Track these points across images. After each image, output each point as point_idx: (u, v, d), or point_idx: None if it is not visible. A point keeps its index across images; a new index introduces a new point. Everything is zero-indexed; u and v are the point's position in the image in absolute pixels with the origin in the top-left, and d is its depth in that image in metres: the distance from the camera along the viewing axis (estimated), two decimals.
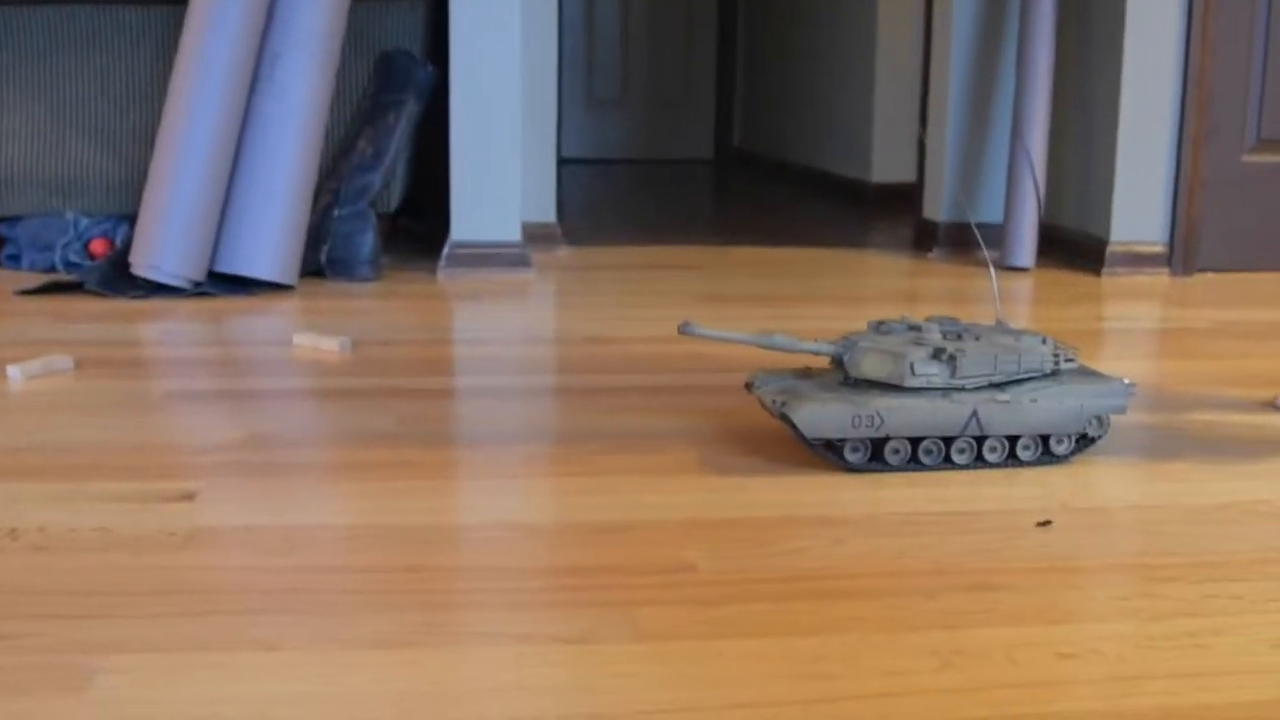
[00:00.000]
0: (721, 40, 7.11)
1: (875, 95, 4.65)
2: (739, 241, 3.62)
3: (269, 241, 2.64)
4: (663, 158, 7.18)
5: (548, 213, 3.34)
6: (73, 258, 2.90)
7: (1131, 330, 2.43)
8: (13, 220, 3.00)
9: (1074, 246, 3.21)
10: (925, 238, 3.52)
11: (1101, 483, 1.47)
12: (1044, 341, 1.55)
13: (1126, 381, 1.55)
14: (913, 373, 1.47)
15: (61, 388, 1.88)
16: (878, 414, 1.46)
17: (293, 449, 1.57)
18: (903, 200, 4.56)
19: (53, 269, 2.91)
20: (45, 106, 3.02)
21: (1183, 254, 3.06)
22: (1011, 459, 1.52)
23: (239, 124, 2.63)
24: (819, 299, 2.70)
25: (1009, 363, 1.50)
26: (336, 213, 2.81)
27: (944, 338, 1.54)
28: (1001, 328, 1.61)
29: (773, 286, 2.86)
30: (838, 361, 1.55)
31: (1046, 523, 1.32)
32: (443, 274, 2.92)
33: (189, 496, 1.38)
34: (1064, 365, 1.56)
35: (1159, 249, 3.06)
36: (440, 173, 3.24)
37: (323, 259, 2.81)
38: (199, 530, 1.27)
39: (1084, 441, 1.54)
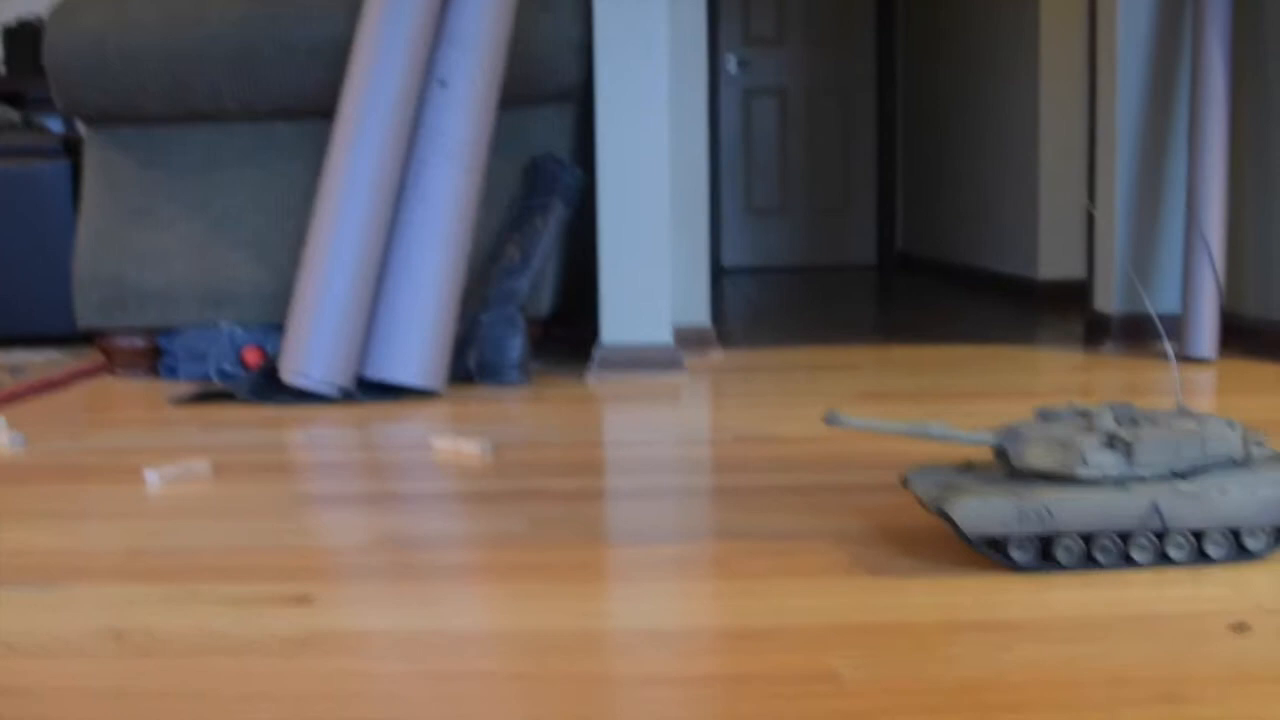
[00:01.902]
0: (881, 143, 7.03)
1: (1040, 190, 4.51)
2: (900, 341, 3.50)
3: (416, 348, 2.61)
4: (825, 264, 7.09)
5: (702, 316, 3.26)
6: (227, 367, 2.91)
7: None
8: (170, 332, 3.03)
9: (1259, 335, 3.01)
10: (1097, 331, 3.35)
11: None
12: (1231, 426, 1.40)
13: None
14: (1084, 462, 1.34)
15: (197, 493, 1.84)
16: (1046, 508, 1.33)
17: (420, 551, 1.49)
18: (1072, 296, 4.39)
19: (207, 378, 2.93)
20: (201, 221, 3.07)
21: None
22: (1199, 556, 1.37)
23: (385, 232, 2.62)
24: (985, 395, 2.56)
25: (1192, 450, 1.36)
26: (484, 318, 2.77)
27: (1117, 424, 1.41)
28: (1182, 413, 1.46)
29: (935, 383, 2.73)
30: (1000, 452, 1.42)
31: (1242, 626, 1.17)
32: (592, 378, 2.86)
33: (305, 600, 1.31)
34: (1256, 452, 1.41)
35: None
36: (593, 278, 3.20)
37: (471, 364, 2.77)
38: (311, 634, 1.20)
39: None
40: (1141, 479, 1.36)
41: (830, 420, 1.40)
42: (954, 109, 5.71)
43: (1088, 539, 1.35)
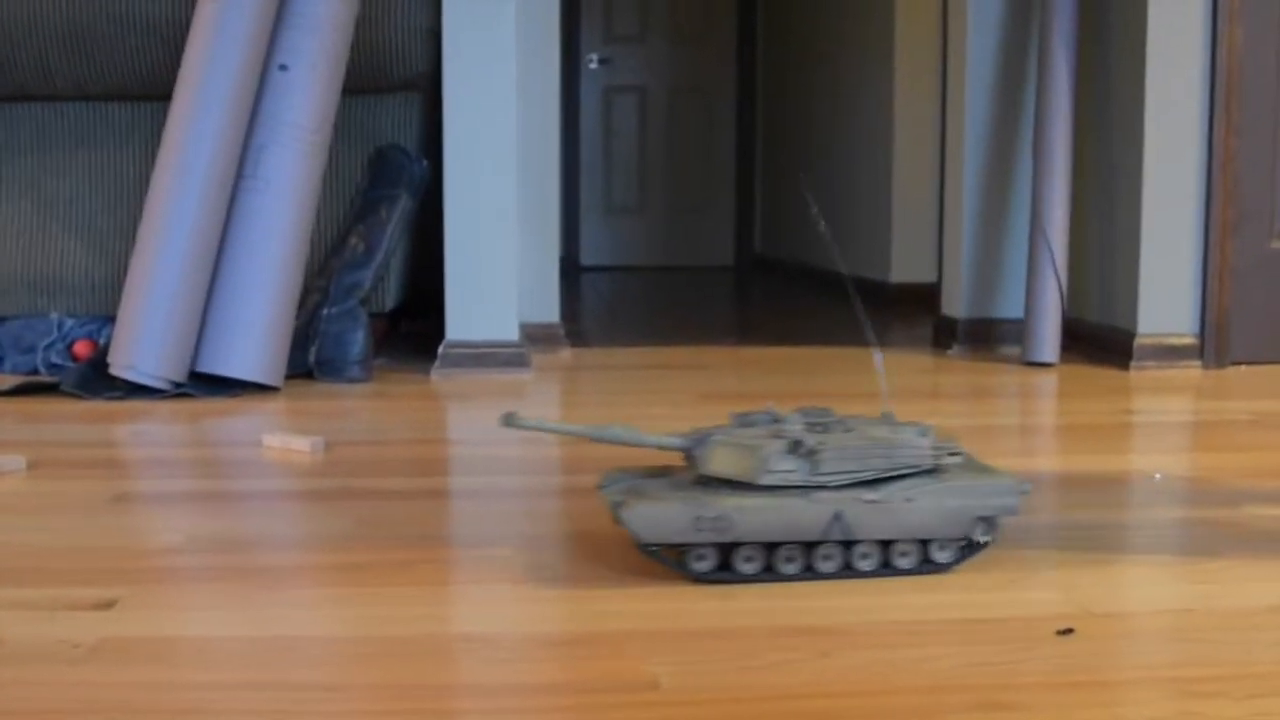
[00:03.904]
0: (740, 143, 7.06)
1: (893, 196, 4.55)
2: (751, 342, 3.49)
3: (252, 341, 2.53)
4: (683, 264, 7.09)
5: (551, 314, 3.22)
6: (56, 359, 2.79)
7: (1163, 424, 2.28)
8: None
9: (1100, 340, 3.06)
10: (944, 335, 3.39)
11: (1130, 584, 1.32)
12: (924, 434, 1.34)
13: (1017, 480, 1.33)
14: (766, 469, 1.28)
15: (7, 489, 1.75)
16: (724, 515, 1.26)
17: (240, 553, 1.43)
18: (922, 300, 4.44)
19: (35, 371, 2.81)
20: (31, 204, 2.94)
21: (1214, 346, 2.91)
22: (886, 567, 1.32)
23: (221, 220, 2.53)
24: (831, 396, 2.56)
25: (879, 458, 1.30)
26: (325, 311, 2.70)
27: (809, 430, 1.34)
28: (884, 420, 1.41)
29: (782, 384, 2.72)
30: (690, 457, 1.35)
31: (1068, 630, 1.17)
32: (436, 374, 2.80)
33: (108, 604, 1.24)
34: (946, 460, 1.35)
35: (1189, 341, 2.91)
36: (440, 273, 3.14)
37: (311, 359, 2.69)
38: (108, 641, 1.13)
39: (971, 547, 1.34)
40: (826, 487, 1.29)
41: (506, 422, 1.32)
42: (811, 111, 5.75)
43: (771, 549, 1.30)
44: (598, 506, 1.64)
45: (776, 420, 1.39)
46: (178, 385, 2.50)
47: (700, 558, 1.29)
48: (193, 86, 2.52)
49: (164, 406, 2.43)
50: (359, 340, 2.69)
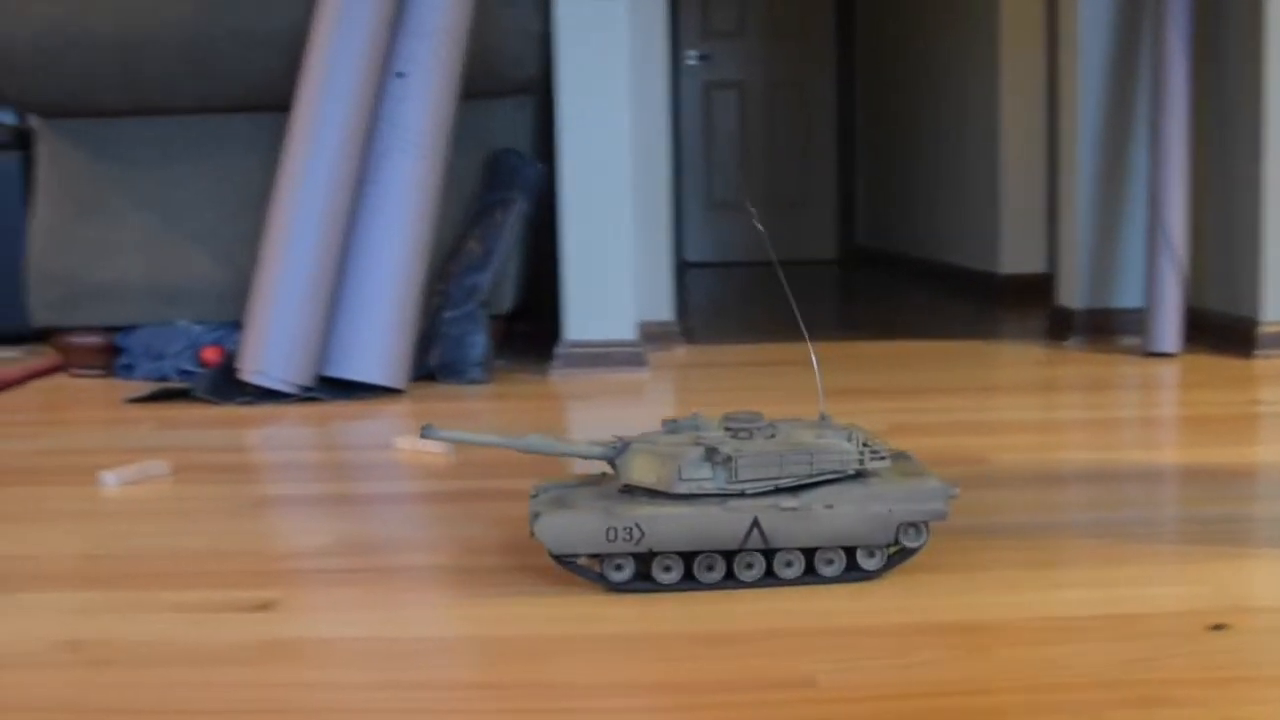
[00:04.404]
0: (841, 136, 7.03)
1: (1001, 185, 4.51)
2: (862, 337, 3.49)
3: (377, 345, 2.58)
4: (785, 258, 7.09)
5: (665, 311, 3.24)
6: (185, 366, 2.87)
7: None
8: (127, 330, 2.99)
9: (1222, 329, 3.02)
10: (1060, 326, 3.35)
11: (1277, 578, 1.30)
12: (849, 438, 1.31)
13: (945, 484, 1.30)
14: (681, 477, 1.26)
15: (154, 494, 1.81)
16: (637, 525, 1.24)
17: (383, 555, 1.46)
18: (1033, 291, 4.39)
19: (165, 378, 2.89)
20: (156, 216, 3.02)
21: None
22: (811, 574, 1.30)
23: (345, 226, 2.58)
24: (948, 391, 2.55)
25: (798, 464, 1.27)
26: (446, 315, 2.74)
27: (733, 436, 1.31)
28: (815, 423, 1.38)
29: (898, 379, 2.71)
30: (612, 466, 1.34)
31: (1220, 626, 1.16)
32: (555, 375, 2.84)
33: (267, 606, 1.28)
34: (871, 464, 1.31)
35: None
36: (553, 273, 3.17)
37: (433, 362, 2.74)
38: (273, 643, 1.17)
39: (901, 554, 1.31)
40: (743, 495, 1.27)
41: (425, 434, 1.31)
42: (914, 101, 5.71)
43: (689, 558, 1.29)
44: None
45: (698, 427, 1.36)
46: (306, 389, 2.55)
47: (617, 568, 1.28)
48: (313, 96, 2.57)
49: (293, 410, 2.49)
50: (479, 342, 2.73)
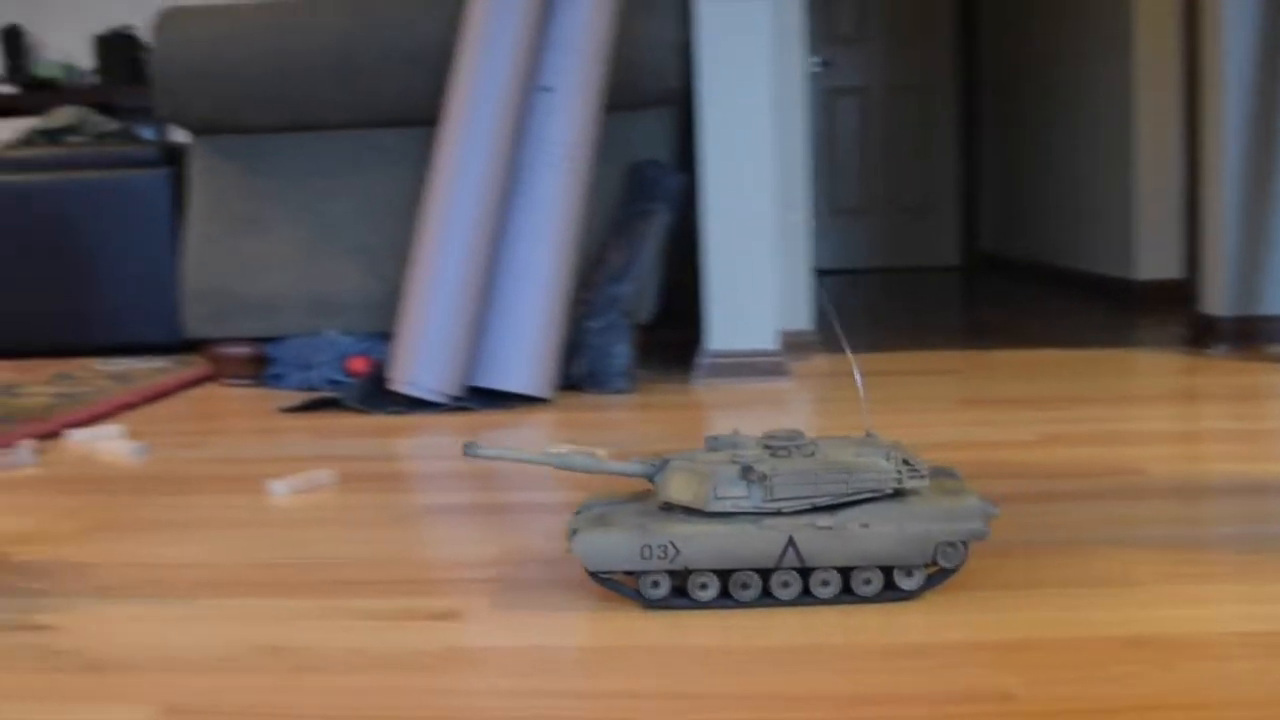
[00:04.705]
0: (964, 140, 6.97)
1: (1135, 187, 4.45)
2: (996, 345, 3.46)
3: (524, 355, 2.62)
4: (908, 265, 7.04)
5: (803, 320, 3.25)
6: (333, 376, 2.94)
7: None
8: (277, 340, 3.07)
9: None
10: (1202, 334, 3.30)
11: None
12: (888, 457, 1.31)
13: (985, 503, 1.30)
14: (715, 495, 1.27)
15: (322, 503, 1.86)
16: (672, 543, 1.26)
17: (550, 565, 1.49)
18: (1168, 298, 4.32)
19: (314, 387, 2.96)
20: (306, 230, 3.10)
21: None
22: (848, 593, 1.30)
23: (493, 239, 2.63)
24: (1092, 400, 2.53)
25: (835, 482, 1.27)
26: (590, 325, 2.77)
27: (772, 454, 1.32)
28: (857, 441, 1.37)
29: (1039, 389, 2.69)
30: (652, 483, 1.35)
31: None
32: (697, 384, 2.86)
33: (451, 615, 1.31)
34: (909, 483, 1.31)
35: None
36: (691, 282, 3.19)
37: (577, 371, 2.78)
38: (458, 651, 1.20)
39: (941, 574, 1.30)
40: (779, 513, 1.27)
41: (468, 451, 1.34)
42: (1041, 102, 5.65)
43: (726, 576, 1.29)
44: None
45: (738, 445, 1.36)
46: (455, 399, 2.60)
47: (654, 585, 1.29)
48: (461, 110, 2.62)
49: (443, 420, 2.54)
50: (623, 352, 2.76)
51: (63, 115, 4.43)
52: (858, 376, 1.62)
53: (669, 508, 1.32)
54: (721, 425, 2.40)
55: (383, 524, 1.72)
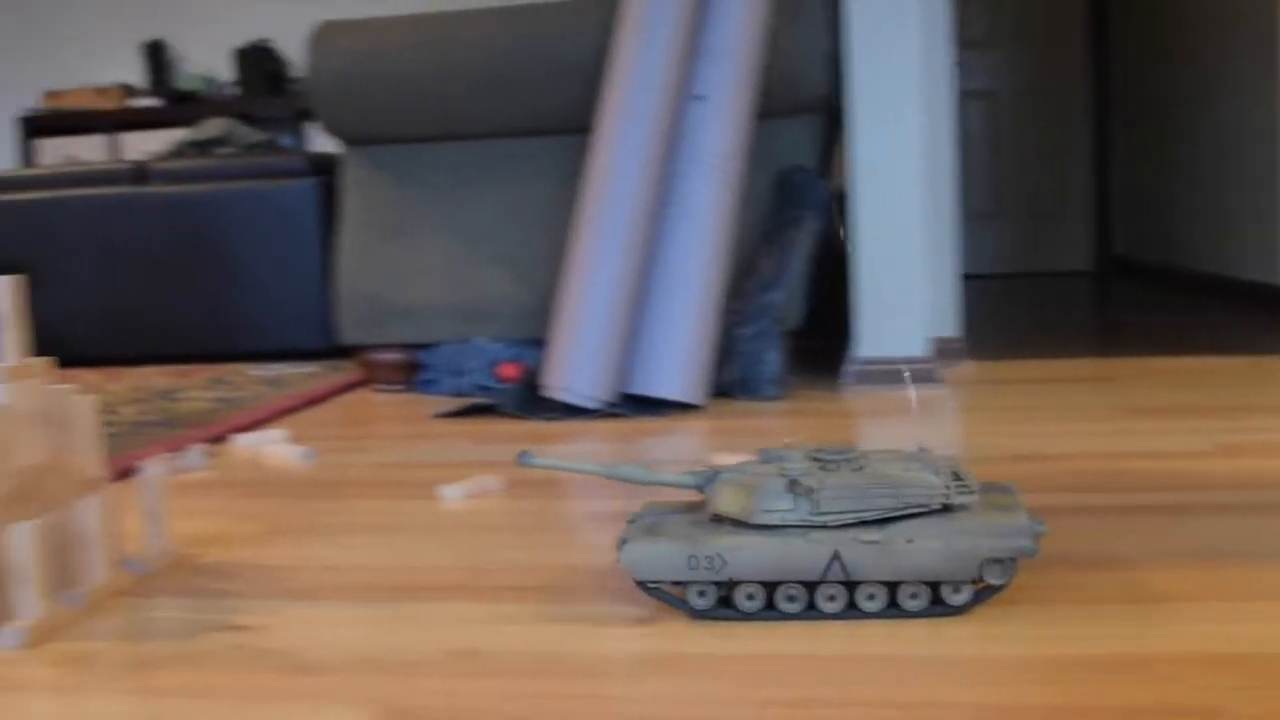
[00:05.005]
0: (1097, 143, 6.86)
1: None
2: (1148, 351, 3.40)
3: (677, 362, 2.63)
4: (1039, 270, 6.95)
5: (950, 327, 3.22)
6: (484, 382, 2.97)
7: None
8: (429, 347, 3.11)
9: None
10: None
11: None
12: (937, 472, 1.31)
13: (1033, 520, 1.29)
14: (762, 508, 1.28)
15: (493, 508, 1.89)
16: (719, 554, 1.27)
17: None
18: None
19: (465, 393, 3.00)
20: (456, 237, 3.14)
21: None
22: (894, 608, 1.29)
23: (647, 247, 2.65)
24: (1266, 409, 2.47)
25: (882, 497, 1.27)
26: (741, 332, 2.78)
27: (821, 468, 1.32)
28: (907, 456, 1.37)
29: (1205, 397, 2.64)
30: (703, 494, 1.36)
31: None
32: (847, 391, 2.85)
33: (646, 621, 1.32)
34: (957, 499, 1.30)
35: None
36: (834, 288, 3.18)
37: (728, 378, 2.78)
38: (659, 658, 1.21)
39: (988, 590, 1.29)
40: (825, 527, 1.28)
41: (522, 460, 1.37)
42: (1178, 103, 5.54)
43: (772, 588, 1.29)
44: (1127, 526, 1.64)
45: (786, 458, 1.36)
46: (609, 405, 2.62)
47: (700, 594, 1.30)
48: (615, 119, 2.64)
49: (598, 426, 2.56)
50: (774, 359, 2.76)
51: (212, 127, 4.54)
52: (911, 389, 1.65)
53: (719, 519, 1.34)
54: (871, 433, 2.39)
55: (555, 529, 1.74)
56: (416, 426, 2.68)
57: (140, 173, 4.09)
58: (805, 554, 1.27)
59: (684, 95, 2.69)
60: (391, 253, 3.17)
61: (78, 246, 4.09)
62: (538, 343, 3.00)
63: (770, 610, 1.30)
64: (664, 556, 1.29)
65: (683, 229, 2.66)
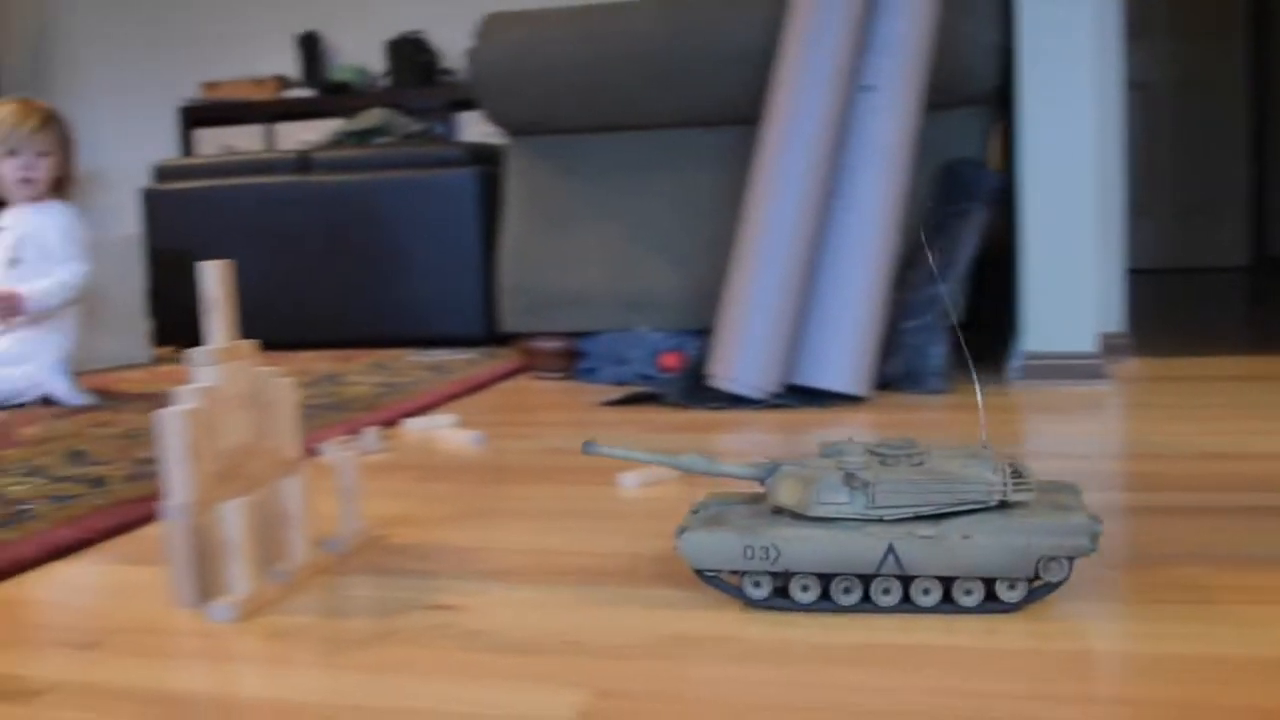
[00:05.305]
0: (1255, 139, 6.68)
1: None
2: None
3: (843, 353, 2.62)
4: (1192, 265, 6.79)
5: (1113, 323, 3.16)
6: (646, 371, 2.99)
7: None
8: (590, 335, 3.14)
9: None
10: None
11: None
12: (995, 470, 1.29)
13: (1091, 519, 1.26)
14: (818, 500, 1.28)
15: (670, 495, 1.90)
16: (773, 546, 1.28)
17: None
18: None
19: (625, 382, 3.02)
20: (617, 227, 3.16)
21: None
22: (948, 603, 1.28)
23: (814, 237, 2.64)
24: None
25: (939, 493, 1.27)
26: (906, 325, 2.76)
27: (883, 462, 1.32)
28: (969, 452, 1.35)
29: None
30: (764, 486, 1.37)
31: None
32: (1012, 385, 2.81)
33: (842, 610, 1.32)
34: (1015, 496, 1.29)
35: None
36: (996, 283, 3.14)
37: (891, 371, 2.77)
38: (892, 647, 1.22)
39: (1044, 588, 1.28)
40: (881, 521, 1.28)
41: (586, 449, 1.39)
42: None
43: (827, 580, 1.30)
44: (1243, 524, 1.61)
45: (845, 452, 1.37)
46: (774, 396, 2.62)
47: (756, 584, 1.32)
48: (784, 109, 2.64)
49: (763, 417, 2.56)
50: (939, 353, 2.74)
51: (370, 117, 4.63)
52: (979, 391, 1.65)
53: (779, 511, 1.35)
54: (1039, 429, 2.36)
55: None
56: (580, 414, 2.70)
57: (303, 162, 4.19)
58: (860, 547, 1.28)
59: (854, 86, 2.67)
60: (553, 242, 3.21)
61: (243, 233, 4.20)
62: (697, 332, 3.01)
63: (825, 601, 1.32)
64: (720, 546, 1.31)
65: (850, 220, 2.65)
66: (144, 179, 4.80)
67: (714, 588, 1.36)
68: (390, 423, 2.64)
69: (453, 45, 6.46)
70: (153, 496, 1.98)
